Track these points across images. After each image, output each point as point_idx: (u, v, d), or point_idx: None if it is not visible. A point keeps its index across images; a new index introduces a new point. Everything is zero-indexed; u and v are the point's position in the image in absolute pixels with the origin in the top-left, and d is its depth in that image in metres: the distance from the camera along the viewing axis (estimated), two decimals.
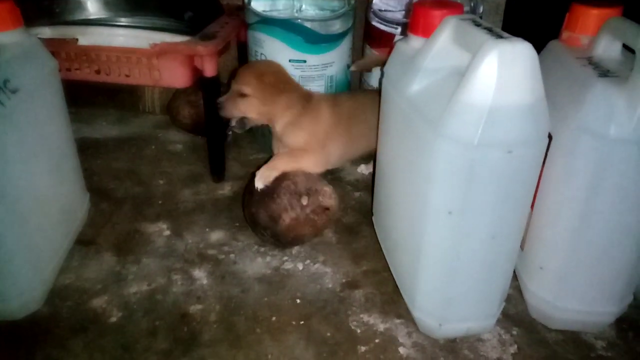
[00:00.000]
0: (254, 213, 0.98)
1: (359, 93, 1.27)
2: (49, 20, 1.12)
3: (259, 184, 0.99)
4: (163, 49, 1.08)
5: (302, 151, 1.05)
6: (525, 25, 1.01)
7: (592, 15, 0.82)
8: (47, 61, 0.91)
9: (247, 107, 1.04)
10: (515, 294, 0.91)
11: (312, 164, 1.04)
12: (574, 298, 0.81)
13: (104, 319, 0.85)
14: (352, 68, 1.25)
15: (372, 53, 1.25)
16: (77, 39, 1.10)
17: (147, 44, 1.08)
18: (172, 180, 1.23)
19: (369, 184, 1.21)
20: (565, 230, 0.77)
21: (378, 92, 0.96)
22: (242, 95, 1.03)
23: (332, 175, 1.24)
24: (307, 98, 1.07)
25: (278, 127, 1.06)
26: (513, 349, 0.82)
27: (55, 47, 1.05)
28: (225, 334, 0.83)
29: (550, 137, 0.71)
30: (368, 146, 1.10)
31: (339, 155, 1.10)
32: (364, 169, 1.27)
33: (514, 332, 0.85)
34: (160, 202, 1.15)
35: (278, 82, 1.04)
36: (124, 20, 1.12)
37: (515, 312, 0.88)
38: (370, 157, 1.15)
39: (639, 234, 0.75)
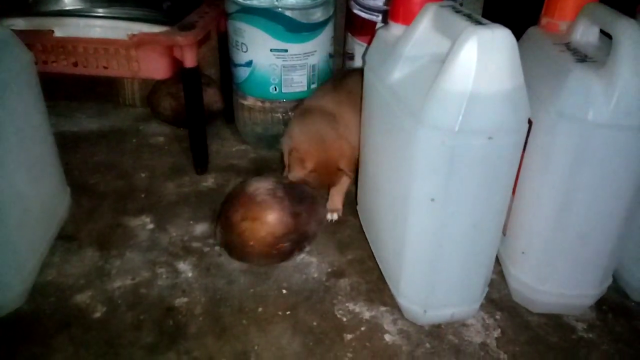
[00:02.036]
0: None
1: (345, 76, 1.22)
2: (22, 12, 1.09)
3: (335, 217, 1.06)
4: (141, 40, 1.06)
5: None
6: (505, 11, 1.01)
7: (570, 1, 0.82)
8: (22, 54, 0.89)
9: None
10: (498, 278, 0.92)
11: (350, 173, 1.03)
12: (555, 281, 0.82)
13: (88, 314, 0.84)
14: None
15: (354, 42, 1.25)
16: (52, 31, 1.08)
17: (125, 35, 1.06)
18: (155, 173, 1.22)
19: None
20: (546, 215, 0.78)
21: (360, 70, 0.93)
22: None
23: None
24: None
25: None
26: (497, 333, 0.83)
27: (30, 39, 1.03)
28: (211, 326, 0.83)
29: (530, 122, 0.71)
30: None
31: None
32: None
33: (498, 317, 0.86)
34: (142, 195, 1.14)
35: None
36: (100, 11, 1.10)
37: (499, 297, 0.90)
38: None
39: (618, 217, 0.76)
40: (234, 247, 0.91)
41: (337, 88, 1.07)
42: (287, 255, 0.93)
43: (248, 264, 0.94)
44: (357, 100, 0.99)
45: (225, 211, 0.92)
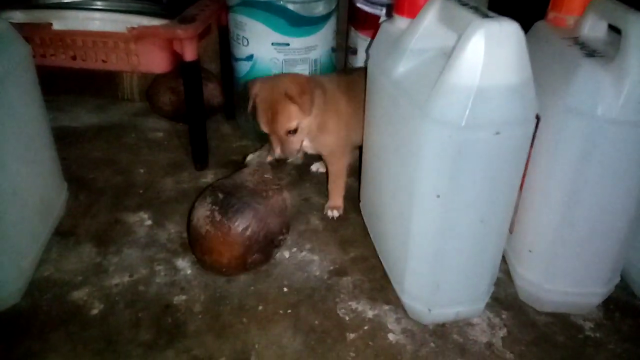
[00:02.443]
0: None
1: (357, 70, 1.20)
2: (21, 4, 1.08)
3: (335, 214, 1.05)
4: (141, 33, 1.04)
5: (337, 162, 1.03)
6: (511, 5, 0.99)
7: None
8: (20, 47, 0.87)
9: (305, 129, 0.94)
10: (504, 277, 0.90)
11: (346, 166, 1.04)
12: (562, 280, 0.81)
13: (85, 311, 0.83)
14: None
15: (357, 36, 1.23)
16: (51, 24, 1.06)
17: (124, 28, 1.04)
18: (153, 169, 1.21)
19: (356, 170, 1.19)
20: (553, 212, 0.77)
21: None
22: (293, 131, 0.92)
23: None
24: (322, 87, 0.97)
25: (307, 132, 0.97)
26: (502, 332, 0.82)
27: (28, 32, 1.01)
28: (210, 324, 0.82)
29: (538, 118, 0.70)
30: None
31: (358, 139, 1.03)
32: (319, 167, 1.22)
33: (504, 316, 0.85)
34: (141, 191, 1.13)
35: (304, 87, 0.90)
36: (100, 4, 1.09)
37: (505, 296, 0.88)
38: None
39: (627, 214, 0.75)
40: (215, 273, 0.91)
41: (349, 86, 1.03)
42: (266, 258, 0.92)
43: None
44: (361, 105, 0.97)
45: (192, 249, 0.92)
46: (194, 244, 0.89)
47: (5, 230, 0.80)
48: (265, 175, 0.95)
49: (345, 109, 0.99)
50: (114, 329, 0.80)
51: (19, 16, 1.08)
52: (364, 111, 0.96)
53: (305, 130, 0.94)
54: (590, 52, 0.73)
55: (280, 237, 0.92)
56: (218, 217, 0.85)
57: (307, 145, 1.01)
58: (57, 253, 0.94)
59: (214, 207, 0.87)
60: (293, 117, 0.90)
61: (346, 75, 1.10)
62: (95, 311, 0.83)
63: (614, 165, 0.71)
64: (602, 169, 0.71)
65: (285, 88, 0.89)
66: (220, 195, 0.88)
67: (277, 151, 0.94)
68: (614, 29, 0.74)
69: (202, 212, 0.87)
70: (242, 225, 0.85)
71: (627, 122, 0.67)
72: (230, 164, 1.22)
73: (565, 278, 0.81)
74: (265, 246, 0.89)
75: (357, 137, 1.02)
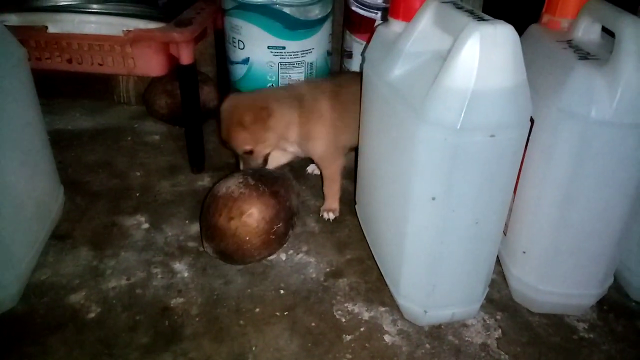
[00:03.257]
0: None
1: (343, 75, 1.21)
2: (16, 7, 1.07)
3: (331, 216, 1.06)
4: (137, 36, 1.05)
5: (330, 165, 1.04)
6: (506, 8, 1.00)
7: None
8: (15, 50, 0.87)
9: (261, 152, 0.98)
10: (498, 279, 0.91)
11: (339, 168, 1.04)
12: (556, 281, 0.82)
13: (82, 315, 0.83)
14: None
15: (353, 40, 1.24)
16: (46, 27, 1.06)
17: (120, 31, 1.04)
18: (150, 172, 1.21)
19: (352, 172, 1.20)
20: (547, 214, 0.77)
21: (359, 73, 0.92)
22: (248, 152, 0.97)
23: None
24: (298, 99, 1.00)
25: (293, 141, 1.01)
26: (497, 333, 0.82)
27: (23, 35, 1.01)
28: (208, 327, 0.82)
29: (532, 120, 0.70)
30: None
31: (349, 141, 1.05)
32: (314, 169, 1.22)
33: (498, 317, 0.85)
34: (137, 194, 1.13)
35: (258, 115, 0.93)
36: (95, 7, 1.08)
37: (499, 297, 0.89)
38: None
39: (620, 216, 0.75)
40: (232, 251, 0.89)
41: (333, 90, 1.04)
42: (283, 236, 0.93)
43: (250, 263, 0.93)
44: (349, 109, 1.00)
45: (208, 222, 0.90)
46: (220, 210, 0.88)
47: (1, 234, 0.79)
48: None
49: (330, 114, 1.00)
50: (111, 333, 0.80)
51: (13, 19, 1.07)
52: (353, 114, 0.97)
53: (266, 149, 0.98)
54: (584, 54, 0.74)
55: (295, 219, 0.97)
56: (252, 181, 0.90)
57: (298, 151, 1.03)
58: (53, 257, 0.94)
59: (245, 176, 0.92)
60: (246, 143, 0.95)
61: (331, 80, 1.11)
62: (92, 315, 0.83)
63: (608, 167, 0.71)
64: (596, 171, 0.72)
65: (240, 115, 0.92)
66: (249, 171, 0.95)
67: (240, 165, 1.02)
68: (608, 32, 0.74)
69: (234, 181, 0.91)
70: (274, 189, 0.91)
71: (621, 125, 0.68)
72: (227, 167, 1.23)
73: (559, 279, 0.81)
74: (287, 219, 0.93)
75: (348, 140, 1.03)
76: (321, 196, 1.09)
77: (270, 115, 0.94)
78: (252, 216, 0.87)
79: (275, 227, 0.89)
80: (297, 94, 1.00)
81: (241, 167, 1.01)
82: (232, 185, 0.90)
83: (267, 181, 0.91)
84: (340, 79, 1.09)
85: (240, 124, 0.93)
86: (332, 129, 1.00)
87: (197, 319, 0.83)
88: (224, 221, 0.87)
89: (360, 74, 0.93)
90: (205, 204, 0.93)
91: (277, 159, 1.10)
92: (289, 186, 0.96)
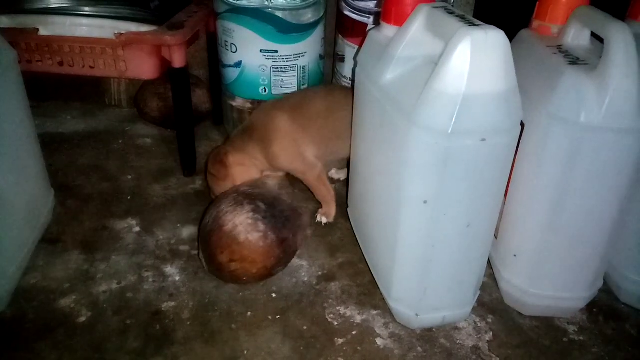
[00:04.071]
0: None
1: (310, 89, 1.22)
2: (6, 9, 1.07)
3: (324, 220, 1.06)
4: (129, 39, 1.04)
5: (305, 176, 1.04)
6: (496, 14, 1.01)
7: (561, 4, 0.83)
8: (5, 52, 0.86)
9: (233, 179, 1.02)
10: (489, 282, 0.92)
11: (317, 175, 1.04)
12: (547, 284, 0.82)
13: (73, 319, 0.82)
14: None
15: (345, 44, 1.24)
16: (37, 29, 1.06)
17: (112, 34, 1.04)
18: (141, 175, 1.20)
19: (345, 177, 1.20)
20: (537, 218, 0.78)
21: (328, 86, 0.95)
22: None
23: None
24: (252, 127, 1.04)
25: (266, 166, 1.05)
26: (488, 336, 0.83)
27: (14, 37, 1.01)
28: (199, 331, 0.81)
29: (522, 125, 0.71)
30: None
31: (319, 154, 1.05)
32: (334, 174, 1.22)
33: (489, 320, 0.85)
34: (129, 197, 1.12)
35: (221, 165, 1.01)
36: (87, 9, 1.08)
37: (490, 300, 0.89)
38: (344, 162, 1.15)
39: (610, 219, 0.76)
40: (226, 280, 0.89)
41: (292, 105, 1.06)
42: (284, 269, 0.93)
43: None
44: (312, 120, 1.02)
45: (207, 248, 0.87)
46: (222, 249, 0.85)
47: None
48: (288, 190, 0.99)
49: (290, 127, 1.01)
50: (101, 337, 0.79)
51: (4, 21, 1.07)
52: (320, 127, 1.01)
53: (240, 178, 1.02)
54: (573, 60, 0.74)
55: (299, 252, 0.95)
56: (262, 226, 0.85)
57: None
58: (44, 260, 0.93)
59: (256, 215, 0.86)
60: (222, 183, 1.01)
61: (295, 95, 1.13)
62: (82, 319, 0.82)
63: (598, 171, 0.72)
64: (586, 175, 0.73)
65: (210, 169, 1.02)
66: (262, 205, 0.88)
67: None
68: (597, 37, 0.75)
69: (243, 219, 0.85)
70: (283, 237, 0.87)
71: (610, 129, 0.69)
72: None
73: (550, 282, 0.82)
74: (289, 259, 0.92)
75: (318, 153, 1.03)
76: (313, 200, 1.09)
77: (229, 162, 1.01)
78: (254, 264, 0.85)
79: (274, 271, 0.89)
80: (252, 124, 1.04)
81: None
82: (239, 224, 0.84)
83: (276, 227, 0.87)
84: (304, 93, 1.13)
85: (214, 176, 1.02)
86: (293, 142, 1.01)
87: (188, 323, 0.83)
88: (224, 259, 0.85)
89: (328, 88, 0.97)
90: (208, 224, 0.88)
91: (275, 173, 1.11)
92: (298, 227, 0.92)
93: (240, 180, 1.01)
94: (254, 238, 0.84)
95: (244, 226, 0.85)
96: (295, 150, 1.02)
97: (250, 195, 0.90)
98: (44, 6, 1.07)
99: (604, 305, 0.89)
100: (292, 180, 1.11)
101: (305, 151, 1.02)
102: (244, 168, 1.02)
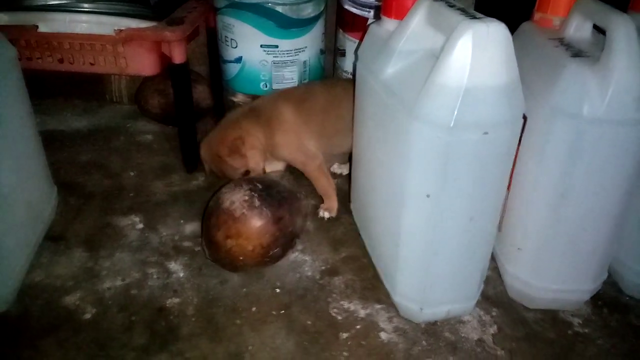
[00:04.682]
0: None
1: (316, 83, 1.24)
2: (5, 6, 1.07)
3: (326, 215, 1.06)
4: (129, 36, 1.04)
5: (305, 167, 1.05)
6: (498, 6, 1.00)
7: None
8: (5, 50, 0.86)
9: (257, 168, 1.03)
10: (493, 275, 0.92)
11: (317, 167, 1.05)
12: (551, 277, 0.82)
13: (78, 316, 0.83)
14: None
15: (345, 38, 1.24)
16: (37, 26, 1.05)
17: (111, 31, 1.04)
18: (143, 172, 1.20)
19: (347, 172, 1.20)
20: (541, 211, 0.78)
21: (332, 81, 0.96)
22: (246, 174, 1.02)
23: None
24: (260, 113, 1.04)
25: (267, 151, 1.05)
26: (493, 329, 0.83)
27: (13, 34, 1.00)
28: (204, 327, 0.82)
29: (525, 118, 0.71)
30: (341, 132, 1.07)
31: (319, 147, 1.06)
32: (336, 168, 1.22)
33: (494, 313, 0.86)
34: (131, 194, 1.12)
35: (232, 147, 1.01)
36: (86, 6, 1.07)
37: (494, 293, 0.89)
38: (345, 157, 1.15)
39: (613, 212, 0.76)
40: (225, 263, 0.89)
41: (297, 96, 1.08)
42: (279, 257, 0.92)
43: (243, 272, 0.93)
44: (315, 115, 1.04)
45: (206, 230, 0.89)
46: (218, 227, 0.86)
47: None
48: (288, 179, 0.99)
49: (293, 120, 1.03)
50: (106, 334, 0.80)
51: (4, 18, 1.06)
52: (321, 122, 1.04)
53: (259, 165, 1.03)
54: (575, 52, 0.74)
55: (296, 241, 0.94)
56: (257, 202, 0.86)
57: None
58: (47, 258, 0.93)
59: (253, 193, 0.87)
60: (237, 169, 1.02)
61: (301, 87, 1.15)
62: (87, 316, 0.83)
63: (600, 163, 0.72)
64: (589, 168, 0.72)
65: (218, 151, 1.02)
66: (259, 185, 0.90)
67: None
68: (599, 30, 0.75)
69: (240, 196, 0.87)
70: (279, 215, 0.87)
71: (613, 121, 0.69)
72: None
73: (554, 275, 0.82)
74: (286, 243, 0.91)
75: (318, 146, 1.05)
76: (317, 195, 1.09)
77: (244, 142, 1.00)
78: (249, 240, 0.85)
79: (271, 252, 0.88)
80: (258, 109, 1.05)
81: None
82: (236, 201, 0.86)
83: (272, 204, 0.87)
84: (309, 86, 1.15)
85: (222, 158, 1.01)
86: (296, 134, 1.03)
87: (193, 319, 0.83)
88: (221, 237, 0.86)
89: (331, 82, 0.99)
90: (209, 207, 0.91)
91: (274, 166, 1.11)
92: (295, 209, 0.92)
93: (254, 164, 1.02)
94: (250, 213, 0.85)
95: (240, 202, 0.86)
96: (297, 142, 1.03)
97: (249, 179, 0.93)
98: (44, 3, 1.06)
99: (609, 298, 0.89)
100: (295, 176, 1.11)
101: (307, 143, 1.04)
102: (256, 151, 1.02)
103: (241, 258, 0.87)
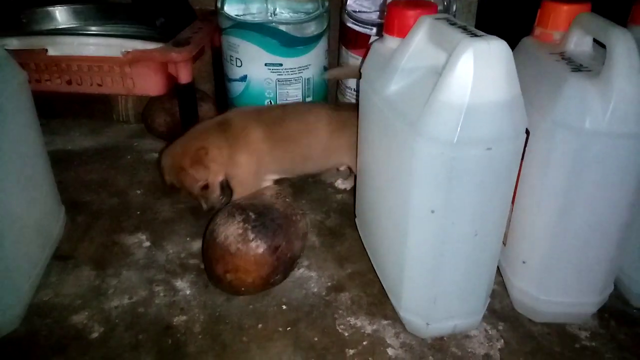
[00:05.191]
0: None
1: (296, 105, 1.20)
2: (16, 31, 1.09)
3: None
4: (135, 57, 1.06)
5: (243, 193, 1.01)
6: (498, 22, 1.01)
7: (563, 11, 0.83)
8: (16, 73, 0.88)
9: (215, 182, 1.00)
10: (499, 289, 0.91)
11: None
12: (557, 290, 0.82)
13: (85, 335, 0.83)
14: (325, 76, 1.23)
15: (349, 55, 1.25)
16: (46, 50, 1.08)
17: (119, 52, 1.06)
18: (150, 190, 1.21)
19: (351, 186, 1.20)
20: (545, 224, 0.78)
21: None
22: (205, 187, 0.99)
23: (313, 179, 1.24)
24: (226, 126, 1.00)
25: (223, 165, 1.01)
26: (500, 344, 0.82)
27: (24, 58, 1.03)
28: (211, 345, 0.82)
29: (527, 132, 0.71)
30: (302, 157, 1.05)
31: (274, 174, 1.06)
32: (340, 184, 1.22)
33: (500, 327, 0.85)
34: (138, 212, 1.13)
35: (195, 157, 0.96)
36: (94, 29, 1.10)
37: (501, 307, 0.89)
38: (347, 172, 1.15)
39: (618, 224, 0.76)
40: (228, 292, 0.90)
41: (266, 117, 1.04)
42: (281, 281, 0.92)
43: None
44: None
45: (206, 262, 0.90)
46: (216, 261, 0.87)
47: (3, 255, 0.80)
48: (287, 200, 0.97)
49: (261, 144, 1.00)
50: (114, 352, 0.80)
51: (14, 43, 1.09)
52: (289, 149, 1.02)
53: (217, 177, 0.99)
54: (576, 66, 0.75)
55: (297, 262, 0.95)
56: (251, 235, 0.86)
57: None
58: (56, 277, 0.94)
59: (246, 225, 0.87)
60: (196, 181, 0.97)
61: (275, 109, 1.10)
62: (95, 334, 0.83)
63: (604, 176, 0.72)
64: (592, 181, 0.73)
65: (180, 162, 0.97)
66: (252, 215, 0.88)
67: (203, 205, 1.01)
68: (599, 44, 0.76)
69: (233, 229, 0.86)
70: (275, 246, 0.87)
71: (615, 135, 0.69)
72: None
73: (560, 288, 0.82)
74: (287, 268, 0.91)
75: (282, 169, 1.04)
76: (321, 210, 1.10)
77: (207, 154, 0.96)
78: (248, 274, 0.86)
79: (272, 280, 0.89)
80: (228, 123, 1.01)
81: (204, 207, 1.01)
82: (230, 235, 0.86)
83: (267, 234, 0.86)
84: (284, 110, 1.08)
85: (183, 169, 0.96)
86: (258, 159, 1.00)
87: (199, 336, 0.83)
88: (220, 271, 0.87)
89: (307, 107, 1.01)
90: (205, 239, 0.91)
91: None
92: (293, 234, 0.91)
93: (213, 178, 0.99)
94: (245, 248, 0.85)
95: (234, 237, 0.86)
96: (255, 168, 1.01)
97: (241, 207, 0.91)
98: (53, 27, 1.09)
99: (616, 310, 0.89)
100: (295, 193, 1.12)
101: (262, 171, 1.02)
102: (217, 165, 0.98)
103: (242, 289, 0.88)
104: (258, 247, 0.86)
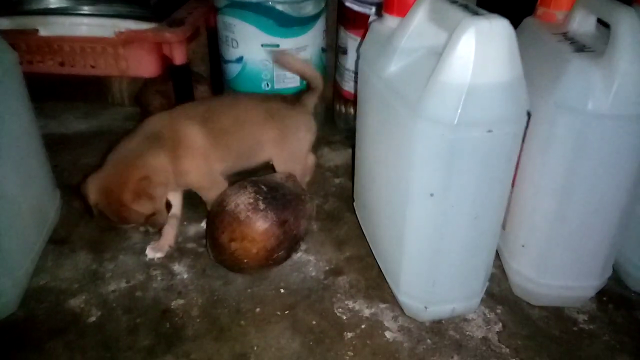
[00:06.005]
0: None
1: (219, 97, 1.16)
2: (6, 11, 1.07)
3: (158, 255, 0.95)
4: (129, 37, 1.04)
5: (209, 193, 0.97)
6: (500, 1, 0.99)
7: None
8: (7, 54, 0.86)
9: (161, 207, 0.91)
10: (498, 273, 0.91)
11: (218, 193, 0.93)
12: (555, 274, 0.82)
13: (83, 319, 0.83)
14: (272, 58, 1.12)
15: (347, 36, 1.23)
16: (37, 30, 1.06)
17: (112, 33, 1.04)
18: None
19: (349, 170, 1.20)
20: (545, 208, 0.77)
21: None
22: (151, 215, 0.89)
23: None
24: (159, 140, 0.90)
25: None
26: (498, 327, 0.82)
27: (14, 38, 1.01)
28: (209, 328, 0.82)
29: (529, 114, 0.70)
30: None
31: (231, 167, 1.00)
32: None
33: (499, 311, 0.85)
34: None
35: (138, 189, 0.85)
36: (86, 9, 1.07)
37: (499, 291, 0.89)
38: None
39: (618, 207, 0.75)
40: (228, 265, 0.89)
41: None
42: (283, 260, 0.92)
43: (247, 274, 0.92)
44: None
45: (211, 231, 0.88)
46: (223, 229, 0.85)
47: None
48: (296, 182, 0.96)
49: (202, 142, 0.93)
50: (112, 336, 0.80)
51: (4, 23, 1.06)
52: (232, 138, 0.96)
53: (162, 200, 0.91)
54: (579, 47, 0.74)
55: (300, 244, 0.94)
56: (262, 205, 0.86)
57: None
58: (52, 261, 0.94)
59: (258, 196, 0.87)
60: (142, 214, 0.87)
61: (198, 105, 1.03)
62: (92, 318, 0.83)
63: (605, 159, 0.72)
64: (594, 164, 0.72)
65: (119, 198, 0.85)
66: (264, 188, 0.89)
67: (151, 230, 0.97)
68: (603, 23, 0.74)
69: (244, 198, 0.86)
70: (283, 218, 0.87)
71: (618, 117, 0.68)
72: None
73: (559, 272, 0.81)
74: (291, 246, 0.91)
75: (228, 166, 0.98)
76: (319, 194, 1.09)
77: (151, 182, 0.86)
78: (253, 243, 0.85)
79: (275, 254, 0.88)
80: (160, 134, 0.91)
81: (151, 230, 0.98)
82: (241, 203, 0.86)
83: (277, 207, 0.87)
84: (210, 104, 1.03)
85: (124, 205, 0.85)
86: (204, 159, 0.94)
87: (197, 320, 0.83)
88: (225, 239, 0.85)
89: (233, 98, 0.98)
90: (213, 209, 0.90)
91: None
92: (300, 212, 0.91)
93: (162, 205, 0.91)
94: (255, 216, 0.85)
95: (244, 205, 0.86)
96: (206, 167, 0.95)
97: (253, 181, 0.91)
98: (44, 7, 1.06)
99: (614, 294, 0.89)
100: None
101: (216, 169, 0.97)
102: (164, 188, 0.90)
103: (245, 260, 0.87)
104: (267, 216, 0.85)
